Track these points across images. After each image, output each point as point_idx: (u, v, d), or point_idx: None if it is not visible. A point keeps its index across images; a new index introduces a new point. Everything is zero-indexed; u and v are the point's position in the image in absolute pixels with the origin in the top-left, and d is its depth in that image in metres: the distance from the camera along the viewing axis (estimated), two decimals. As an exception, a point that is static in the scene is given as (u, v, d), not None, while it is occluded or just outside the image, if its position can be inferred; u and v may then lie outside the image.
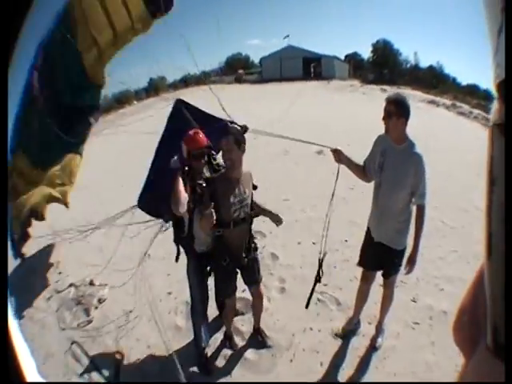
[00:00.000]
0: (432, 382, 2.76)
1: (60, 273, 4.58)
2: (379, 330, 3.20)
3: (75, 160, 4.21)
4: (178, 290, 3.88)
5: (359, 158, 2.95)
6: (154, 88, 30.27)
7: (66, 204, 4.14)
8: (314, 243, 4.80)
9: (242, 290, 3.37)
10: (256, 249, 2.95)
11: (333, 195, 2.98)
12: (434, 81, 26.47)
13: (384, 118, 2.65)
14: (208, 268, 2.94)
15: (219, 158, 2.92)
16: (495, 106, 0.36)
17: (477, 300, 0.43)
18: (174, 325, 3.54)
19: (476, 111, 15.04)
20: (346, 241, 4.96)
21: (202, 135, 2.78)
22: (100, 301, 3.85)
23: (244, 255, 2.81)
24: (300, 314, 3.44)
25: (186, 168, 2.74)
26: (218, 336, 3.32)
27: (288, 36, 33.35)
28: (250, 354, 3.16)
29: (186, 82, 32.17)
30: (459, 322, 0.50)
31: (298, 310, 3.40)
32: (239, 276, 2.90)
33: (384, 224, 2.82)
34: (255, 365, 3.06)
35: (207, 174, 2.87)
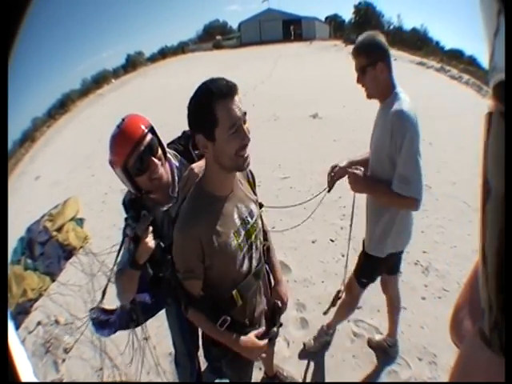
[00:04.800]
0: (431, 381, 2.27)
1: (30, 300, 3.71)
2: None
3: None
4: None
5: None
6: (132, 64, 31.59)
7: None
8: (332, 241, 3.67)
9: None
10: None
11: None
12: (419, 43, 26.36)
13: (358, 80, 1.79)
14: None
15: None
16: (491, 105, 0.36)
17: (472, 297, 0.44)
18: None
19: (465, 76, 14.39)
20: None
21: (132, 121, 1.43)
22: (66, 351, 3.00)
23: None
24: (333, 361, 2.49)
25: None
26: None
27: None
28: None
29: (164, 53, 33.34)
30: (455, 319, 0.51)
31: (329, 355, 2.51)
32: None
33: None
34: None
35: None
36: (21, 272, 4.06)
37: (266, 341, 1.40)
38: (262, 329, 1.45)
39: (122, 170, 1.38)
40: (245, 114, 1.12)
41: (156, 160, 1.41)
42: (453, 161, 5.58)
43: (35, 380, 0.77)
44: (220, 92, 1.07)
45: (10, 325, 0.71)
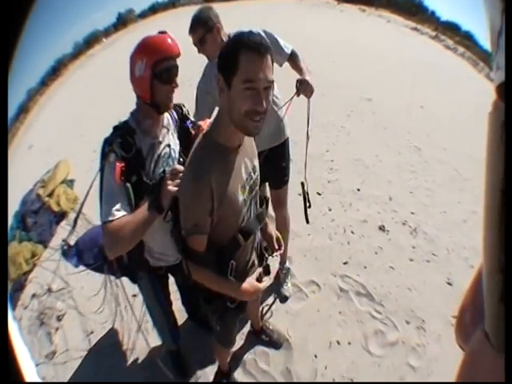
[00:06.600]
0: (432, 381, 2.18)
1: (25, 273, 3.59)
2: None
3: None
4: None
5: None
6: (123, 22, 30.44)
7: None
8: (319, 194, 3.51)
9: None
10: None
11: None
12: (414, 9, 25.58)
13: (200, 51, 2.10)
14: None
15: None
16: (497, 105, 0.35)
17: (477, 299, 0.42)
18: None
19: (461, 48, 14.11)
20: (359, 190, 3.67)
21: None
22: (59, 318, 2.98)
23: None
24: (319, 316, 2.49)
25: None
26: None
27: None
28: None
29: (155, 9, 31.77)
30: (461, 321, 0.52)
31: (314, 310, 2.52)
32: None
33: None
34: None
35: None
36: (16, 248, 3.92)
37: (264, 283, 1.42)
38: (259, 270, 1.46)
39: (148, 67, 1.35)
40: (270, 82, 1.09)
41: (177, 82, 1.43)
42: (444, 127, 5.44)
43: (38, 380, 0.78)
44: (248, 43, 1.06)
45: (13, 325, 0.71)
